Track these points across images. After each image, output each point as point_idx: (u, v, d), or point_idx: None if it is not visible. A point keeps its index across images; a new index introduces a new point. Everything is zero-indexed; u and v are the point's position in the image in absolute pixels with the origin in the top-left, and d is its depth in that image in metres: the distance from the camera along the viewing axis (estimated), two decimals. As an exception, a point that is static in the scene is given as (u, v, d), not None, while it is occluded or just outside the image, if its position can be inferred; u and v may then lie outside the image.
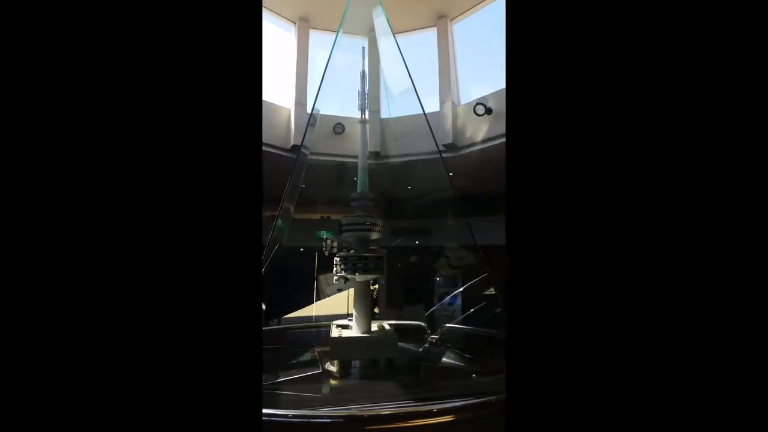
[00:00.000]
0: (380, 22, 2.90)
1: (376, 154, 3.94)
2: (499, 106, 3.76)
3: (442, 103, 4.05)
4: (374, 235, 2.43)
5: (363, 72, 2.65)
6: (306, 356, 2.30)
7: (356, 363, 2.30)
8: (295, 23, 4.52)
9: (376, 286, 2.51)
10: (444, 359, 2.40)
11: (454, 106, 4.15)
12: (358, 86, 2.76)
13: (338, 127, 4.22)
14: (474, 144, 3.92)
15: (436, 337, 2.92)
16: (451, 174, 4.24)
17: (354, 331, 2.42)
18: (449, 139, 3.97)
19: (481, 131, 3.88)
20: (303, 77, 4.48)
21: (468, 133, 3.99)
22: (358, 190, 2.53)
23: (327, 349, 2.36)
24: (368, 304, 2.41)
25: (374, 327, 2.45)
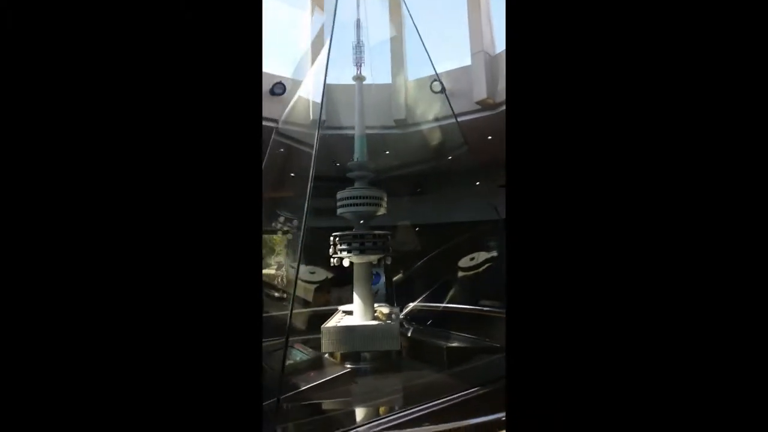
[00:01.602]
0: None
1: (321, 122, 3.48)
2: (453, 84, 3.74)
3: (394, 75, 3.83)
4: (380, 211, 2.14)
5: (358, 20, 2.27)
6: (299, 354, 1.90)
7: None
8: None
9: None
10: (449, 341, 2.27)
11: (406, 80, 3.99)
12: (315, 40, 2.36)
13: (278, 87, 3.59)
14: (426, 122, 3.83)
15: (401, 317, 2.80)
16: (387, 152, 4.07)
17: (355, 319, 2.12)
18: (402, 115, 3.81)
19: (433, 110, 3.82)
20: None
21: (419, 111, 3.89)
22: (355, 159, 2.18)
23: (316, 338, 2.01)
24: (369, 289, 2.13)
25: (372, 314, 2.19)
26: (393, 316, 2.13)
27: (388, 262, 2.15)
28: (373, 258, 2.09)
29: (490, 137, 2.98)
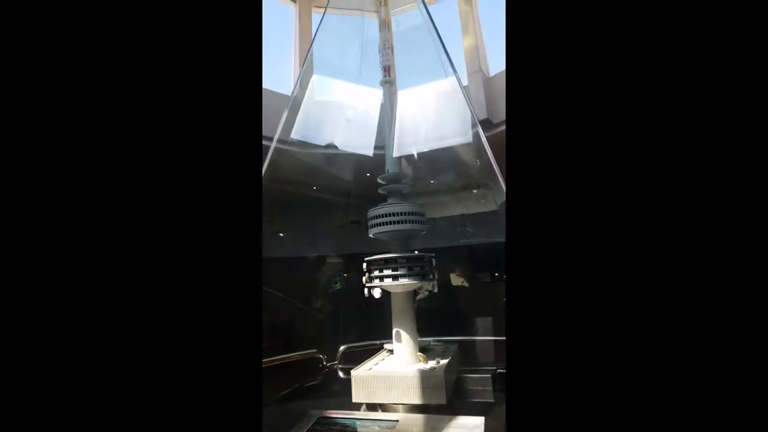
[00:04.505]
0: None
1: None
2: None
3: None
4: (423, 230, 1.83)
5: (382, 21, 2.05)
6: (366, 423, 1.45)
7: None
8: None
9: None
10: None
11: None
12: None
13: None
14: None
15: (336, 362, 2.45)
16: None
17: (394, 363, 1.73)
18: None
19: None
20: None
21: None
22: (387, 171, 1.89)
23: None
24: (412, 324, 1.77)
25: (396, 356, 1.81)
26: (438, 359, 1.73)
27: (435, 290, 1.83)
28: (415, 285, 1.75)
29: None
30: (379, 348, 2.06)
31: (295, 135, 2.96)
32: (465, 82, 2.77)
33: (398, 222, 1.74)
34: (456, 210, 3.05)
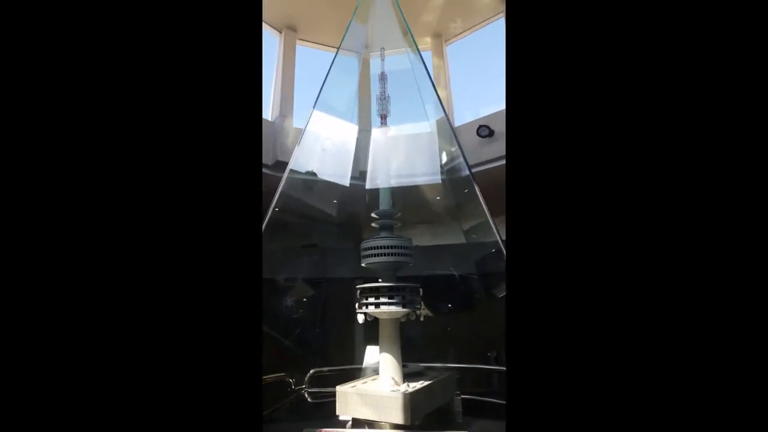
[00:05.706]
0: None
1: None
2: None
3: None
4: (409, 262, 2.03)
5: (382, 74, 2.31)
6: None
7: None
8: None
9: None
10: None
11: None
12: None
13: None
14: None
15: (304, 386, 2.59)
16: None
17: (375, 383, 1.89)
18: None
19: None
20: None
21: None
22: (381, 207, 2.09)
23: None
24: (396, 349, 1.94)
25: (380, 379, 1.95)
26: (408, 383, 1.84)
27: (421, 319, 2.01)
28: (402, 313, 1.93)
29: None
30: (346, 372, 2.20)
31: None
32: (434, 129, 3.09)
33: (390, 254, 1.93)
34: (430, 241, 3.30)
